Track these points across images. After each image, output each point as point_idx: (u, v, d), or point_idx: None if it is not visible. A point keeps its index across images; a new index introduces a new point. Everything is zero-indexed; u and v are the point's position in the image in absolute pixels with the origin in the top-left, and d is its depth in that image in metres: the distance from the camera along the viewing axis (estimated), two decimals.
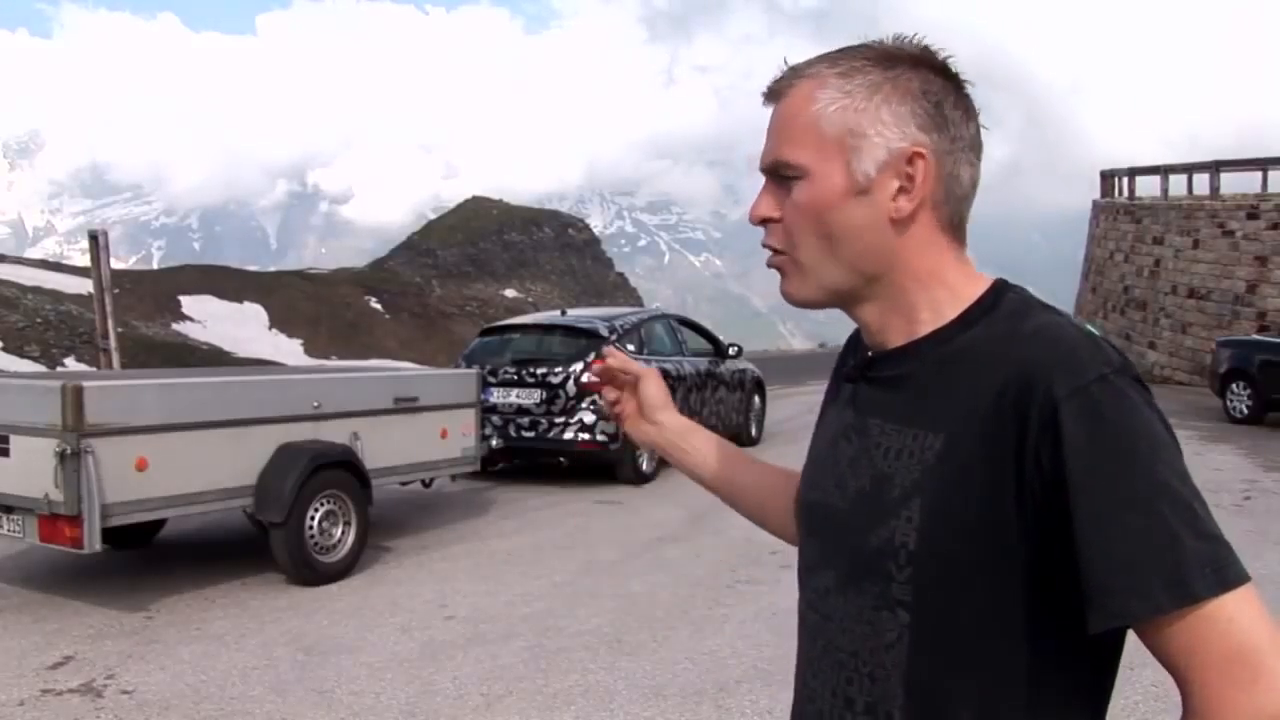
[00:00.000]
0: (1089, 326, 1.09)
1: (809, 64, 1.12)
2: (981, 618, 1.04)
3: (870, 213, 1.08)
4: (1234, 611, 0.95)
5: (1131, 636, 1.03)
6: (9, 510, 5.30)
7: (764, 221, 1.14)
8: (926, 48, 1.11)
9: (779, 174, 1.11)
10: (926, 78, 1.10)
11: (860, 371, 1.18)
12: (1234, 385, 14.25)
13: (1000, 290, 1.13)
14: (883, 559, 1.07)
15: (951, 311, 1.11)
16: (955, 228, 1.13)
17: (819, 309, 1.18)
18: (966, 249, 1.15)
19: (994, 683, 1.05)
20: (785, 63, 1.14)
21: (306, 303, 40.95)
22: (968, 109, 1.12)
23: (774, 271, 1.17)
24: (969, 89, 1.13)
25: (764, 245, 1.15)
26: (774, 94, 1.13)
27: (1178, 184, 23.36)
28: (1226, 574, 0.96)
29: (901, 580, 1.06)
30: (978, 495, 1.02)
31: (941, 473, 1.05)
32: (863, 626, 1.10)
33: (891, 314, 1.13)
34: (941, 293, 1.12)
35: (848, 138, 1.08)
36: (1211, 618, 0.95)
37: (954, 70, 1.12)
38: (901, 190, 1.08)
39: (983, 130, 1.14)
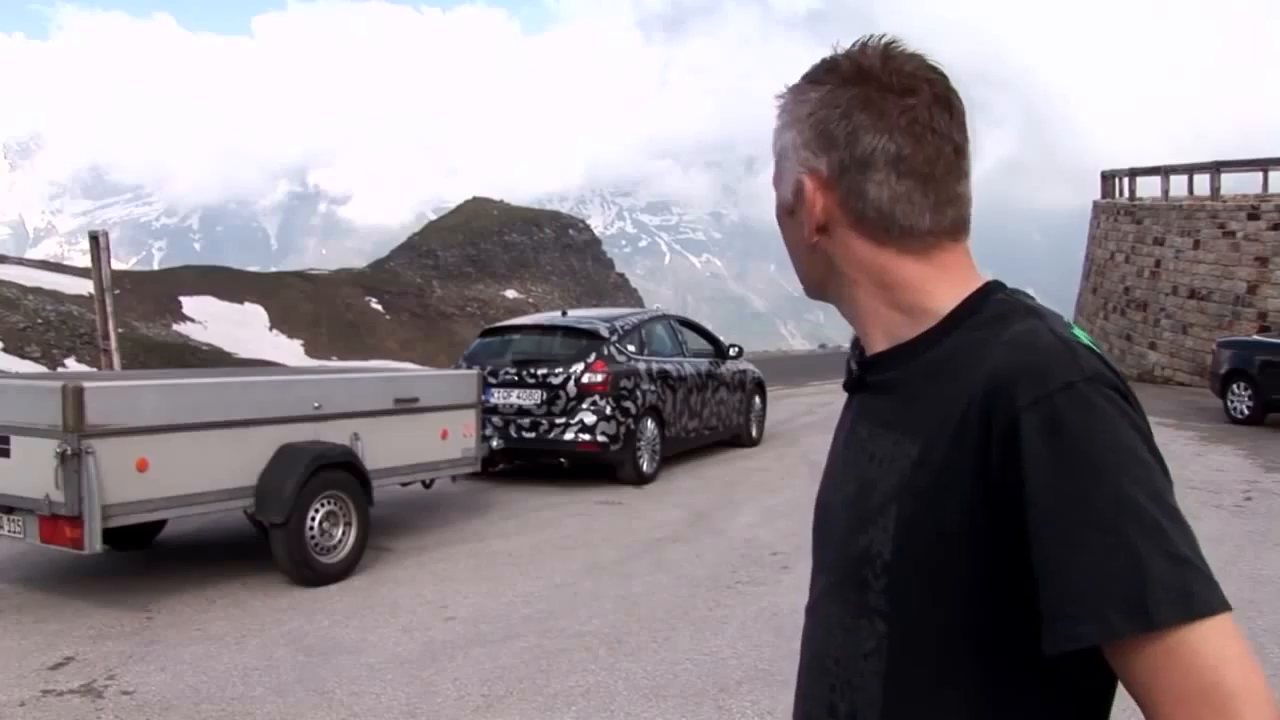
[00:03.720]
0: (1076, 331, 1.04)
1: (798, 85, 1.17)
2: (958, 629, 1.01)
3: (799, 233, 1.14)
4: (1200, 645, 0.87)
5: None
6: (10, 511, 5.31)
7: None
8: (844, 53, 1.10)
9: None
10: (826, 94, 1.08)
11: (858, 378, 1.18)
12: (1235, 386, 14.24)
13: (988, 293, 1.09)
14: (861, 567, 1.06)
15: (932, 317, 1.08)
16: (907, 234, 1.08)
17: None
18: (953, 250, 1.10)
19: (974, 695, 1.02)
20: None
21: (307, 303, 40.98)
22: (880, 114, 1.06)
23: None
24: (894, 88, 1.06)
25: None
26: None
27: (1178, 184, 23.35)
28: (1193, 603, 0.88)
29: (878, 590, 1.05)
30: (949, 505, 1.00)
31: (916, 481, 1.02)
32: (843, 634, 1.09)
33: (854, 319, 1.16)
34: (903, 298, 1.09)
35: (779, 161, 1.14)
36: (1174, 650, 0.87)
37: (872, 71, 1.07)
38: (804, 213, 1.13)
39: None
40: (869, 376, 1.15)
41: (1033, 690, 1.01)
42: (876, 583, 1.05)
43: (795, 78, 1.15)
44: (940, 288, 1.09)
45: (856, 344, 1.27)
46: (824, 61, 1.13)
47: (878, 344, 1.13)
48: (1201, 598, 0.88)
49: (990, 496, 0.97)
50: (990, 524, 0.98)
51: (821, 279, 1.16)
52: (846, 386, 1.21)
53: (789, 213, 1.14)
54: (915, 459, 1.03)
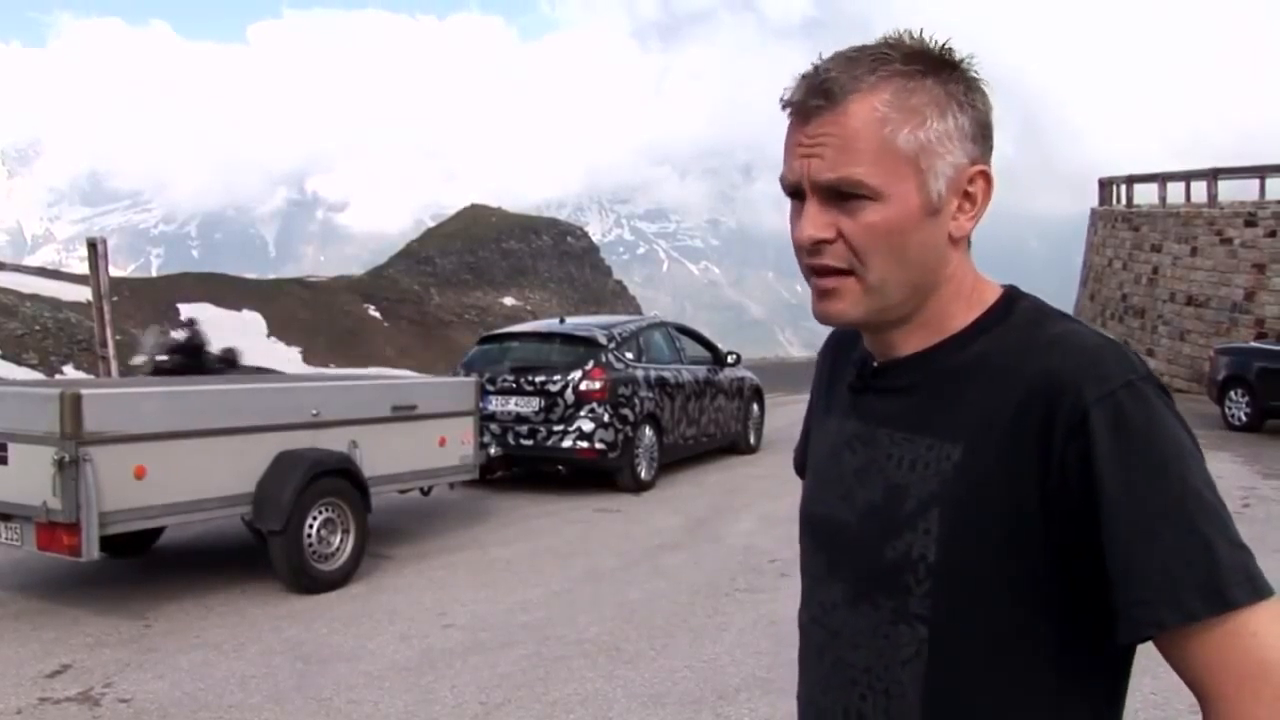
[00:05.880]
0: (1107, 334, 1.07)
1: (852, 72, 1.03)
2: (1003, 629, 1.03)
3: (939, 232, 1.06)
4: (1259, 626, 0.94)
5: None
6: (7, 518, 5.30)
7: (818, 244, 1.05)
8: (953, 51, 1.06)
9: (840, 192, 1.03)
10: (974, 89, 1.07)
11: (865, 381, 1.16)
12: (1232, 392, 14.24)
13: (1012, 298, 1.11)
14: (900, 572, 1.05)
15: (966, 319, 1.10)
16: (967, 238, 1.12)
17: (857, 327, 1.14)
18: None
19: (1015, 696, 1.03)
20: (815, 68, 1.05)
21: (305, 310, 40.98)
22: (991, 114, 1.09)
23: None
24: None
25: (814, 265, 1.06)
26: (818, 108, 1.03)
27: (1176, 191, 23.36)
28: (1259, 583, 0.95)
29: (920, 594, 1.04)
30: (999, 506, 1.01)
31: (961, 483, 1.03)
32: (878, 641, 1.08)
33: (921, 328, 1.10)
34: (972, 302, 1.10)
35: (921, 158, 1.03)
36: (1239, 630, 0.93)
37: (963, 67, 1.07)
38: (960, 208, 1.06)
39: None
40: (887, 381, 1.13)
41: (1072, 684, 1.04)
42: (919, 587, 1.04)
43: (876, 59, 1.04)
44: (979, 292, 1.12)
45: (839, 344, 1.27)
46: (918, 49, 1.05)
47: (907, 350, 1.11)
48: (1262, 580, 0.95)
49: (1047, 493, 0.99)
50: (1043, 522, 1.00)
51: (930, 285, 1.07)
52: (850, 387, 1.19)
53: (932, 213, 1.04)
54: (958, 461, 1.04)
